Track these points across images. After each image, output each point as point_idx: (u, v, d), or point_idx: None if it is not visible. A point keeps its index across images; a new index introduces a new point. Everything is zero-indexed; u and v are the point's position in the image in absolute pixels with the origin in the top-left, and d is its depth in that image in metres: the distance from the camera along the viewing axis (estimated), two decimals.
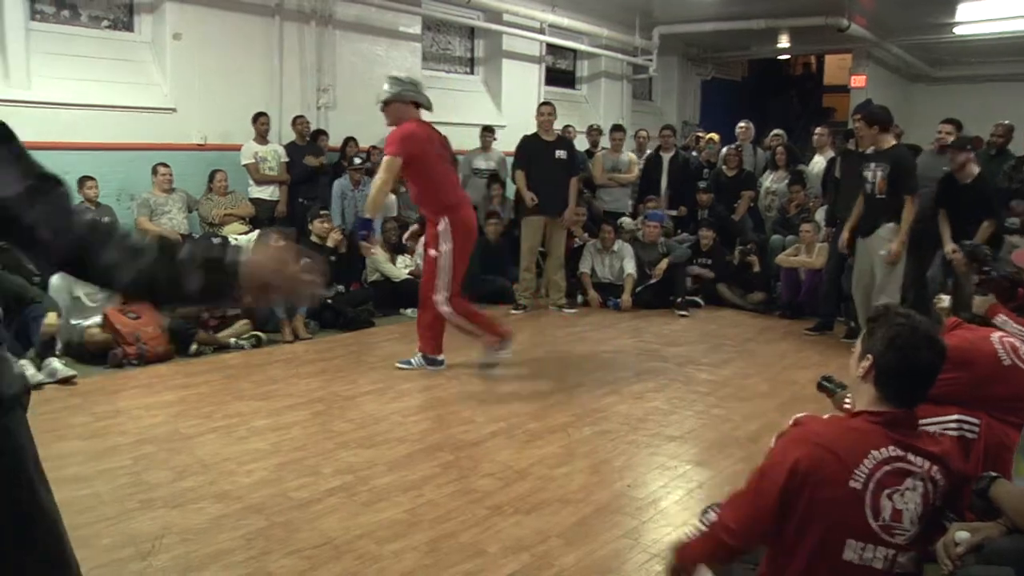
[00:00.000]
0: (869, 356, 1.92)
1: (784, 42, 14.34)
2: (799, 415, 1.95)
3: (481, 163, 9.49)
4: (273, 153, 8.01)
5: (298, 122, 8.27)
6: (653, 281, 8.04)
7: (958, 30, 12.53)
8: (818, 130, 8.99)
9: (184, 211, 7.37)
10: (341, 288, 7.42)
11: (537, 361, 5.79)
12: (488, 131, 9.49)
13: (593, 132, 9.91)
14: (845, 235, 6.42)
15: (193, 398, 4.80)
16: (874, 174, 6.03)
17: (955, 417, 2.68)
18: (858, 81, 13.95)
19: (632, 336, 6.85)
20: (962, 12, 11.68)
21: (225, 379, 5.25)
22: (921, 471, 1.85)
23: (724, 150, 9.51)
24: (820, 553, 1.81)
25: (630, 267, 8.03)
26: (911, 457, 1.85)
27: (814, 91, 18.35)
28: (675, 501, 3.49)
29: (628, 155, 9.26)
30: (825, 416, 1.94)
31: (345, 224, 7.98)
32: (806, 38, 13.69)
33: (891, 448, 1.84)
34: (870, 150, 6.19)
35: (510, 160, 8.23)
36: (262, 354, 5.94)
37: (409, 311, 7.42)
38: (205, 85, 7.92)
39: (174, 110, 7.74)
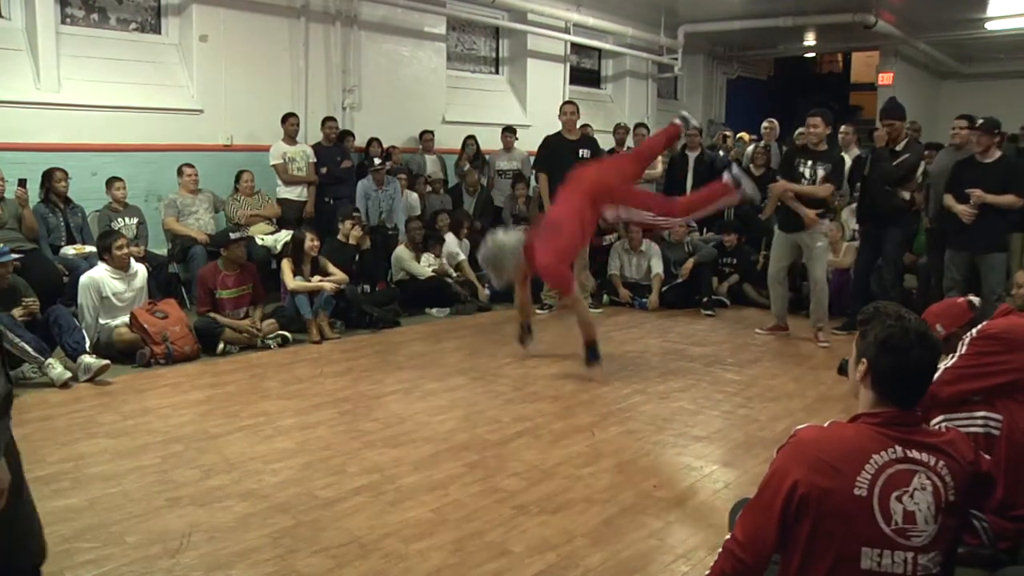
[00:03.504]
0: (864, 360, 1.89)
1: (811, 40, 14.24)
2: (799, 426, 1.90)
3: (504, 163, 9.49)
4: (302, 154, 8.06)
5: (327, 124, 8.31)
6: (679, 281, 8.00)
7: (989, 25, 12.35)
8: (843, 128, 8.91)
9: (211, 211, 7.44)
10: (367, 287, 7.45)
11: (562, 361, 5.77)
12: (509, 131, 9.49)
13: (620, 131, 9.87)
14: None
15: (220, 397, 4.84)
16: None
17: (981, 414, 2.64)
18: (885, 79, 13.81)
19: (658, 336, 6.82)
20: (993, 7, 11.50)
21: (252, 378, 5.29)
22: (926, 466, 1.81)
23: (751, 148, 9.44)
24: (837, 566, 1.77)
25: (658, 267, 7.99)
26: (914, 454, 1.81)
27: (841, 89, 18.20)
28: (701, 502, 3.47)
29: None
30: (826, 424, 1.89)
31: (369, 224, 8.01)
32: (833, 36, 13.57)
33: (892, 449, 1.80)
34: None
35: (533, 159, 8.21)
36: (288, 353, 5.97)
37: (434, 310, 7.44)
38: (231, 87, 7.99)
39: (201, 111, 7.82)
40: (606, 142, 9.70)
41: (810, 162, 6.41)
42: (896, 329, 1.85)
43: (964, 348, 2.54)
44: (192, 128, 7.77)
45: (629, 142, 9.60)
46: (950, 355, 2.56)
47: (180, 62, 7.86)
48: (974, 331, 2.55)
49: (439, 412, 4.64)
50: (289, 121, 7.97)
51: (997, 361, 2.46)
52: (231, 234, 6.63)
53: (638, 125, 9.47)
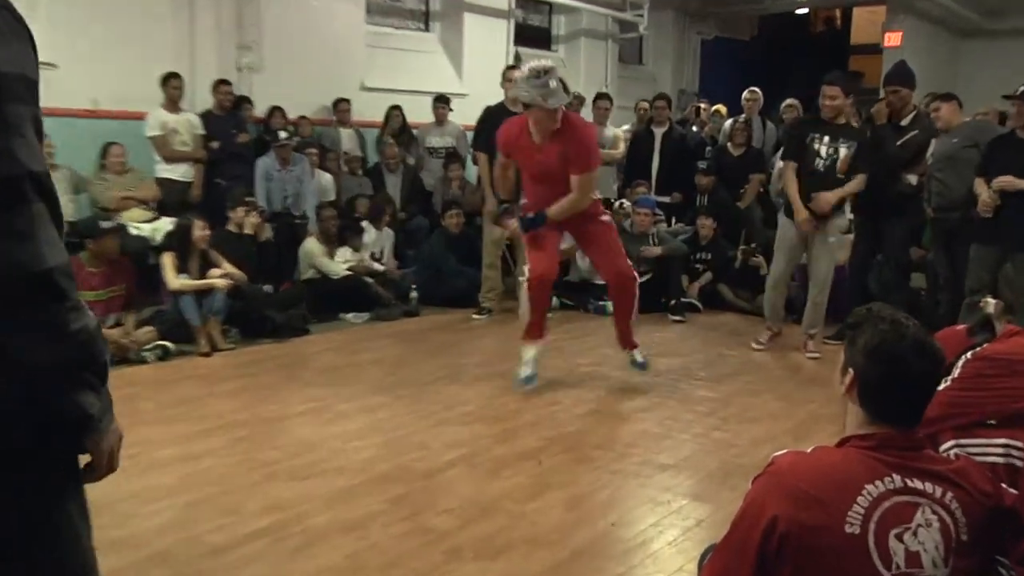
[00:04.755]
0: (850, 370, 1.91)
1: None
2: (777, 453, 1.92)
3: (436, 140, 9.48)
4: (187, 124, 7.94)
5: (219, 88, 8.21)
6: (643, 280, 8.06)
7: None
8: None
9: (70, 193, 7.22)
10: (268, 288, 7.38)
11: (503, 375, 5.79)
12: (442, 101, 9.49)
13: (574, 102, 9.95)
14: None
15: None
16: None
17: (1002, 442, 2.69)
18: (892, 39, 13.88)
19: (617, 345, 6.86)
20: None
21: (122, 400, 5.10)
22: (931, 498, 1.80)
23: (729, 124, 9.59)
24: None
25: None
26: (916, 483, 1.80)
27: (839, 52, 18.47)
28: (669, 542, 3.51)
29: (613, 130, 9.31)
30: (809, 449, 1.91)
31: (271, 210, 7.94)
32: None
33: (889, 478, 1.79)
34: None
35: (471, 135, 8.22)
36: (170, 368, 5.89)
37: (351, 315, 7.40)
38: (97, 36, 7.71)
39: (54, 66, 7.52)
40: None
41: (827, 138, 6.29)
42: (890, 334, 1.86)
43: (959, 370, 2.55)
44: (43, 87, 7.55)
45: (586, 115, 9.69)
46: (944, 380, 2.59)
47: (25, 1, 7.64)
48: (969, 353, 2.59)
49: (356, 437, 4.61)
50: (171, 83, 7.83)
51: (1007, 386, 2.52)
52: (99, 222, 6.48)
53: (599, 96, 9.50)
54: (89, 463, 1.62)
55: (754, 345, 6.82)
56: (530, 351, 5.57)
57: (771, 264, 6.92)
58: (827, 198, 6.26)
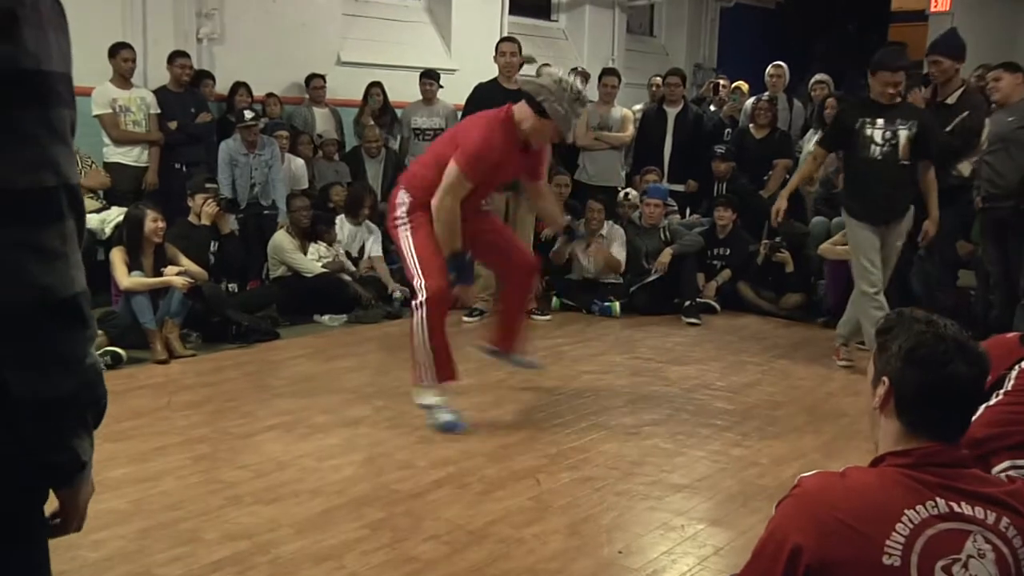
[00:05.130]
0: (885, 379, 1.90)
1: None
2: (805, 473, 1.90)
3: (423, 120, 9.49)
4: (140, 102, 7.94)
5: (176, 61, 8.19)
6: (653, 278, 8.09)
7: None
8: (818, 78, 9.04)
9: None
10: (233, 287, 7.37)
11: (498, 385, 5.79)
12: (430, 77, 9.48)
13: (579, 78, 9.95)
14: None
15: None
16: None
17: None
18: (940, 3, 13.79)
19: (625, 351, 6.89)
20: None
21: None
22: (983, 525, 1.78)
23: (750, 103, 9.59)
24: None
25: (620, 255, 8.08)
26: (964, 508, 1.78)
27: (878, 20, 18.39)
28: (682, 573, 3.51)
29: (621, 110, 9.32)
30: (840, 470, 1.90)
31: (237, 198, 7.93)
32: None
33: (932, 502, 1.78)
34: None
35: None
36: (122, 377, 5.86)
37: (326, 318, 7.40)
38: None
39: None
40: None
41: (880, 121, 6.04)
42: (928, 336, 1.86)
43: (1012, 383, 2.55)
44: None
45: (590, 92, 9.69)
46: (994, 394, 2.55)
47: None
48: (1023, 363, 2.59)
49: (332, 455, 4.61)
50: (121, 55, 7.82)
51: None
52: None
53: (605, 72, 9.47)
54: (56, 514, 1.57)
55: (840, 362, 6.56)
56: (431, 396, 5.07)
57: (853, 274, 6.50)
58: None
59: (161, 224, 6.43)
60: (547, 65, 7.87)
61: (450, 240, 4.93)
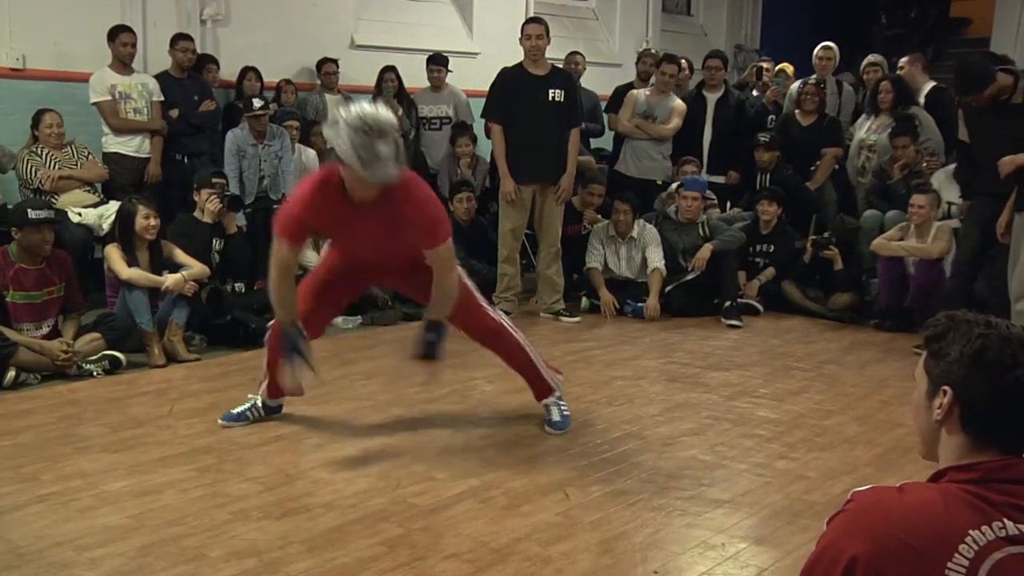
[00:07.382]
0: (945, 388, 1.86)
1: None
2: (858, 488, 1.87)
3: (429, 108, 9.49)
4: (140, 88, 7.98)
5: (179, 45, 8.23)
6: (691, 277, 8.07)
7: None
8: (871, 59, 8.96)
9: None
10: (240, 287, 7.39)
11: (522, 391, 5.79)
12: (437, 62, 9.48)
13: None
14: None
15: (7, 452, 4.72)
16: None
17: None
18: None
19: (660, 355, 6.89)
20: None
21: (62, 422, 5.21)
22: None
23: (796, 87, 9.54)
24: None
25: (656, 259, 8.06)
26: None
27: None
28: None
29: (675, 100, 9.17)
30: (897, 485, 1.87)
31: (244, 193, 7.95)
32: None
33: (1000, 524, 1.74)
34: None
35: (476, 101, 8.17)
36: (121, 384, 5.90)
37: (340, 320, 7.41)
38: None
39: None
40: (592, 80, 9.70)
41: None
42: (991, 339, 1.82)
43: None
44: None
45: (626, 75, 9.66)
46: None
47: None
48: None
49: (345, 466, 4.62)
50: (120, 39, 7.84)
51: None
52: (29, 209, 6.35)
53: (666, 58, 9.29)
54: None
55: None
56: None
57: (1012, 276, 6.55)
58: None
59: (153, 222, 6.40)
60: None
61: (278, 310, 4.70)
